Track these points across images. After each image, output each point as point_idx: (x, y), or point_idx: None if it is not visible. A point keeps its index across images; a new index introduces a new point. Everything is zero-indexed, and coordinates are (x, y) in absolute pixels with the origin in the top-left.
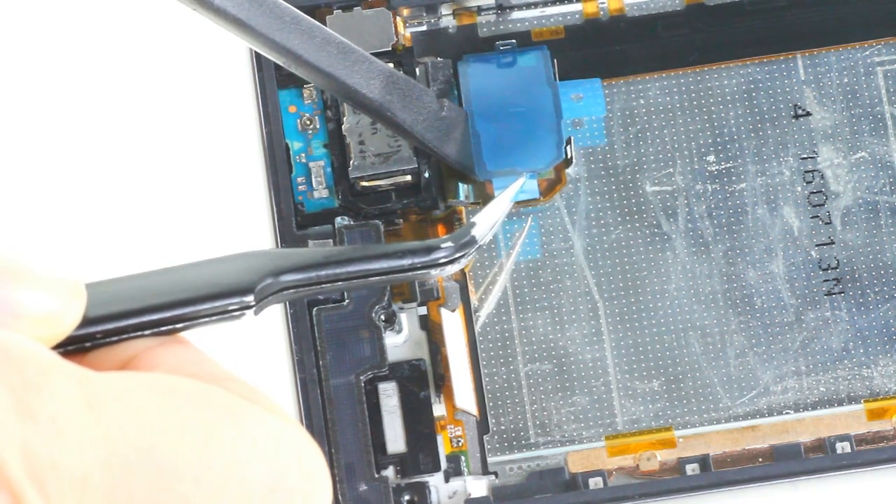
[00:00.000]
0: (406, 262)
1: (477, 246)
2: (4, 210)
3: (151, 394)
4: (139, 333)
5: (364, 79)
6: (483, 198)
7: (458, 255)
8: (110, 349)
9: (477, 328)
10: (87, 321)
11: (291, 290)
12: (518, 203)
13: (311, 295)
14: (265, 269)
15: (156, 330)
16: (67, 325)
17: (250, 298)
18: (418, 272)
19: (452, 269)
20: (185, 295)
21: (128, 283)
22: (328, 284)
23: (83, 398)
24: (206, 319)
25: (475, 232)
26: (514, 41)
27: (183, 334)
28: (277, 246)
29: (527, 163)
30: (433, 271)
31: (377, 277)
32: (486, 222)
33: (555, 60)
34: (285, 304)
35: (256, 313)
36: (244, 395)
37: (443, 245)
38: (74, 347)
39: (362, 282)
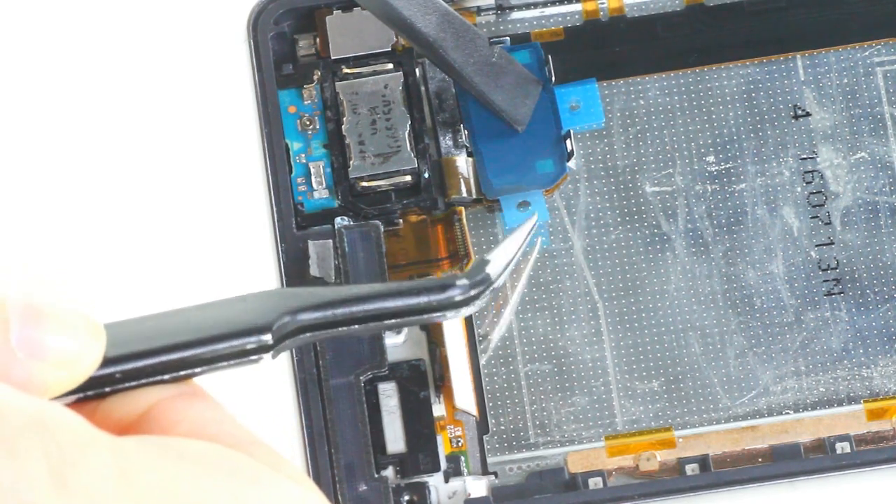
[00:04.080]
0: (422, 299)
1: (492, 286)
2: (4, 210)
3: (182, 463)
4: (158, 378)
5: (421, 12)
6: None
7: (472, 293)
8: (129, 396)
9: (485, 355)
10: (104, 361)
11: (309, 332)
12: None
13: (327, 337)
14: (282, 307)
15: (174, 374)
16: (87, 367)
17: (268, 337)
18: (434, 313)
19: (468, 310)
20: (202, 334)
21: (144, 323)
22: (344, 326)
23: (117, 468)
24: (225, 362)
25: (490, 269)
26: (507, 39)
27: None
28: (277, 245)
29: (531, 179)
30: (449, 313)
31: (393, 320)
32: (500, 260)
33: (549, 58)
34: None
35: (274, 356)
36: (269, 462)
37: (457, 283)
38: (94, 393)
39: (378, 324)
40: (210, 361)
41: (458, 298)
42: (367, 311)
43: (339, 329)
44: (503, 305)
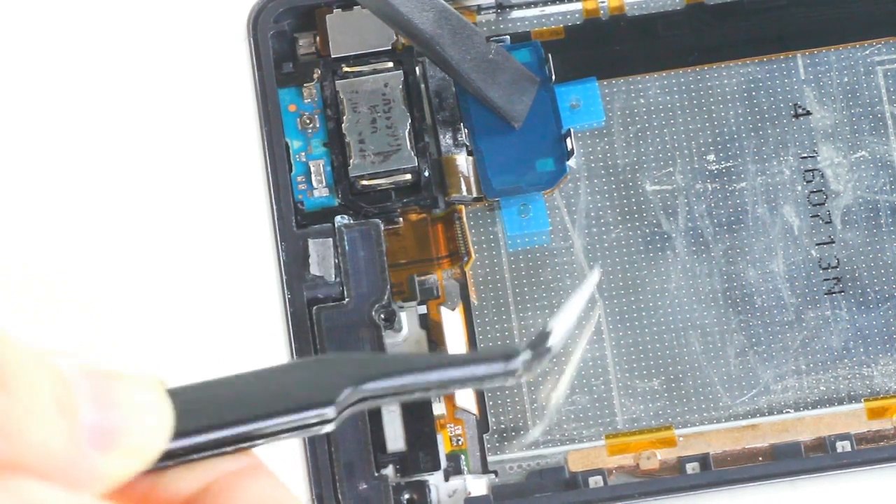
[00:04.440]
0: (485, 369)
1: (551, 354)
2: (4, 210)
3: None
4: (220, 451)
5: (418, 9)
6: None
7: (534, 364)
8: (188, 470)
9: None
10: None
11: (370, 401)
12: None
13: (386, 403)
14: (346, 379)
15: (236, 447)
16: (157, 452)
17: (332, 411)
18: (495, 381)
19: (525, 377)
20: (268, 408)
21: (202, 392)
22: (406, 395)
23: None
24: (286, 434)
25: (551, 342)
26: (507, 37)
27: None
28: (277, 243)
29: (531, 178)
30: (509, 380)
31: (454, 387)
32: (561, 329)
33: (549, 56)
34: (284, 302)
35: (335, 426)
36: None
37: (521, 357)
38: (153, 468)
39: (438, 391)
40: (273, 434)
41: (520, 370)
42: (431, 382)
43: (401, 396)
44: None
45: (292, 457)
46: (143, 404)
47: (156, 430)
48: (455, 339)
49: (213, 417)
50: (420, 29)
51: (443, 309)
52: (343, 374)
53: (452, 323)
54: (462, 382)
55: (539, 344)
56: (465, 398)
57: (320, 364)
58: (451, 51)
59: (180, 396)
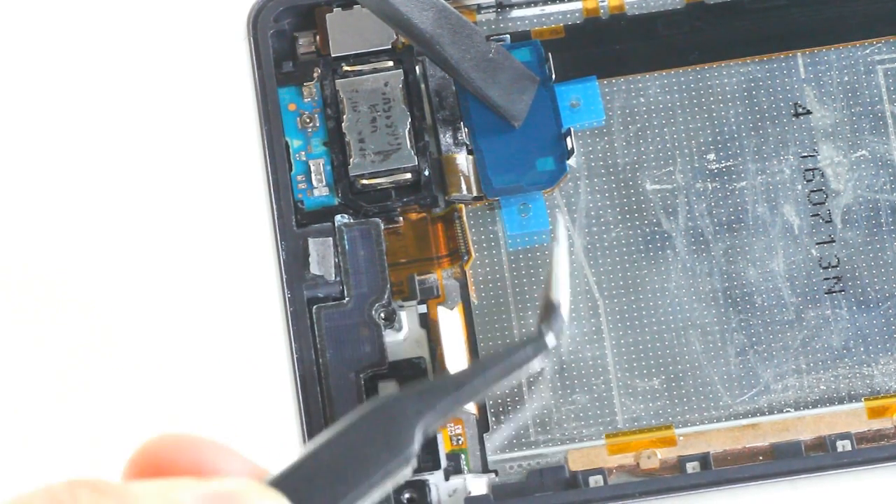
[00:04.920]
0: (523, 355)
1: (566, 323)
2: (4, 209)
3: None
4: None
5: (417, 8)
6: None
7: (559, 333)
8: None
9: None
10: None
11: (434, 426)
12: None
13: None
14: (414, 422)
15: None
16: None
17: (413, 461)
18: (534, 362)
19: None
20: (363, 486)
21: (300, 481)
22: (461, 407)
23: None
24: (380, 496)
25: (563, 312)
26: (507, 37)
27: None
28: (277, 243)
29: (532, 177)
30: (547, 359)
31: (503, 385)
32: (566, 298)
33: (549, 56)
34: (284, 301)
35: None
36: None
37: (548, 340)
38: None
39: (489, 392)
40: (368, 496)
41: (554, 344)
42: (481, 388)
43: (456, 411)
44: None
45: (291, 458)
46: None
47: None
48: (453, 340)
49: (317, 496)
50: (420, 28)
51: (440, 308)
52: (410, 419)
53: (450, 323)
54: (506, 376)
55: (554, 317)
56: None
57: (385, 415)
58: (450, 50)
59: (283, 488)
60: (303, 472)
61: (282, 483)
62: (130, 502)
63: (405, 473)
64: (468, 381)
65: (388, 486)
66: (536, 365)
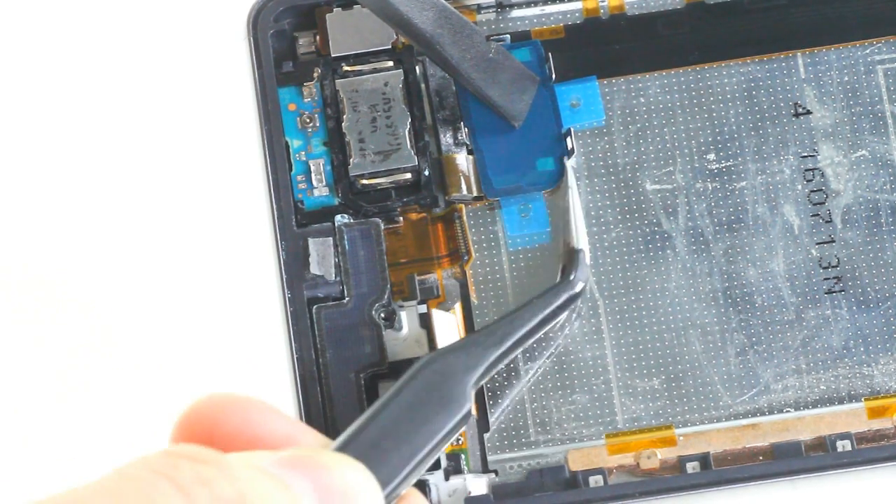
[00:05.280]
0: (558, 301)
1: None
2: (4, 209)
3: None
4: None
5: (418, 8)
6: None
7: (586, 275)
8: None
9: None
10: None
11: (485, 378)
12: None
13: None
14: (465, 378)
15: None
16: None
17: (469, 412)
18: (570, 305)
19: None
20: (429, 445)
21: (367, 444)
22: (509, 357)
23: None
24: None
25: (585, 257)
26: (507, 37)
27: None
28: (277, 243)
29: (532, 178)
30: (579, 299)
31: (541, 330)
32: (585, 243)
33: (549, 56)
34: (284, 301)
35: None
36: None
37: (578, 278)
38: None
39: (532, 340)
40: (433, 456)
41: (584, 285)
42: (521, 338)
43: (505, 361)
44: None
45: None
46: (359, 483)
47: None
48: (448, 341)
49: (395, 467)
50: (420, 28)
51: (434, 311)
52: (461, 376)
53: (445, 325)
54: (546, 325)
55: (578, 262)
56: None
57: (437, 375)
58: (451, 50)
59: (351, 454)
60: (367, 438)
61: (348, 449)
62: (225, 467)
63: (463, 429)
64: (510, 334)
65: (447, 443)
66: (564, 315)
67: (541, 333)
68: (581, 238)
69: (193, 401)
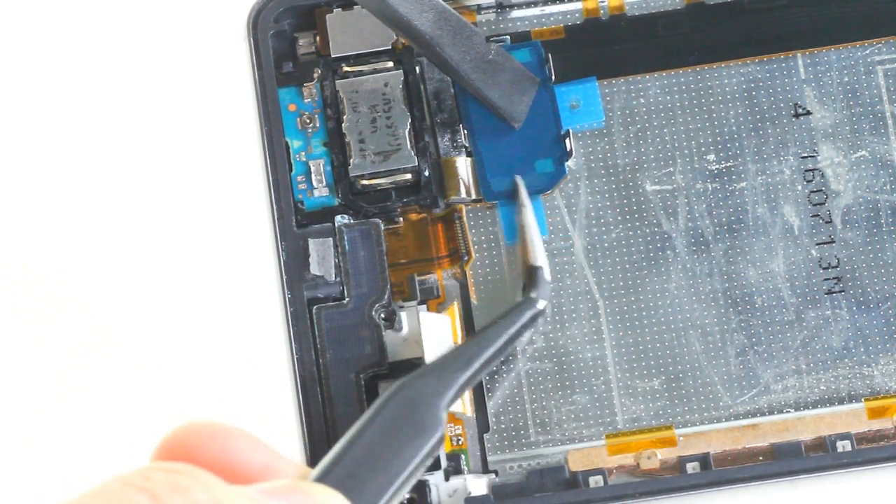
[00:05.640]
0: (520, 324)
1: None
2: (4, 209)
3: None
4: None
5: (417, 10)
6: None
7: (547, 295)
8: None
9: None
10: None
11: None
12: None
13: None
14: (437, 402)
15: None
16: None
17: (442, 436)
18: (532, 327)
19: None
20: (403, 473)
21: (343, 473)
22: (475, 381)
23: None
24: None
25: (545, 275)
26: (507, 37)
27: None
28: (277, 243)
29: (531, 179)
30: (540, 319)
31: (506, 352)
32: (542, 258)
33: (549, 56)
34: (284, 302)
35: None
36: None
37: (539, 303)
38: None
39: (496, 362)
40: (410, 482)
41: (545, 306)
42: (489, 360)
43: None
44: None
45: (292, 457)
46: None
47: None
48: (439, 344)
49: (373, 496)
50: (419, 30)
51: (421, 314)
52: (433, 400)
53: (437, 328)
54: (511, 345)
55: (539, 280)
56: (457, 403)
57: (409, 401)
58: (450, 51)
59: (329, 484)
60: (344, 468)
61: (326, 480)
62: (199, 476)
63: (438, 452)
64: (477, 356)
65: (424, 468)
66: (527, 335)
67: (507, 352)
68: (539, 255)
69: (171, 429)
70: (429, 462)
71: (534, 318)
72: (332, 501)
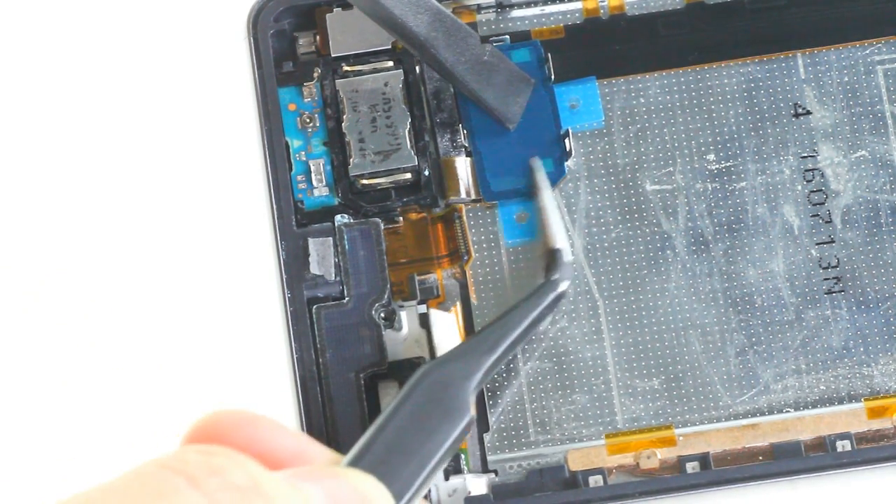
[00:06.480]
0: (544, 304)
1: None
2: (4, 208)
3: None
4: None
5: (412, 12)
6: None
7: (569, 275)
8: None
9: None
10: None
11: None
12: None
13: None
14: (465, 385)
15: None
16: None
17: (472, 418)
18: (555, 307)
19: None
20: (436, 458)
21: (377, 455)
22: (503, 362)
23: None
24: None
25: (567, 256)
26: (507, 37)
27: None
28: (277, 242)
29: (530, 181)
30: (562, 300)
31: (532, 333)
32: (565, 242)
33: (549, 56)
34: (284, 301)
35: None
36: None
37: (561, 281)
38: None
39: (523, 344)
40: (441, 465)
41: (567, 288)
42: (516, 342)
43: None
44: None
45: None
46: (373, 492)
47: None
48: (447, 342)
49: (406, 481)
50: (414, 32)
51: (432, 312)
52: (460, 384)
53: (445, 326)
54: (536, 326)
55: (560, 262)
56: None
57: (437, 385)
58: (445, 53)
59: (364, 465)
60: (376, 454)
61: (359, 465)
62: (236, 456)
63: (467, 436)
64: (503, 339)
65: (454, 452)
66: (549, 317)
67: (531, 335)
68: (559, 237)
69: (199, 417)
70: (458, 446)
71: (557, 300)
72: (366, 485)
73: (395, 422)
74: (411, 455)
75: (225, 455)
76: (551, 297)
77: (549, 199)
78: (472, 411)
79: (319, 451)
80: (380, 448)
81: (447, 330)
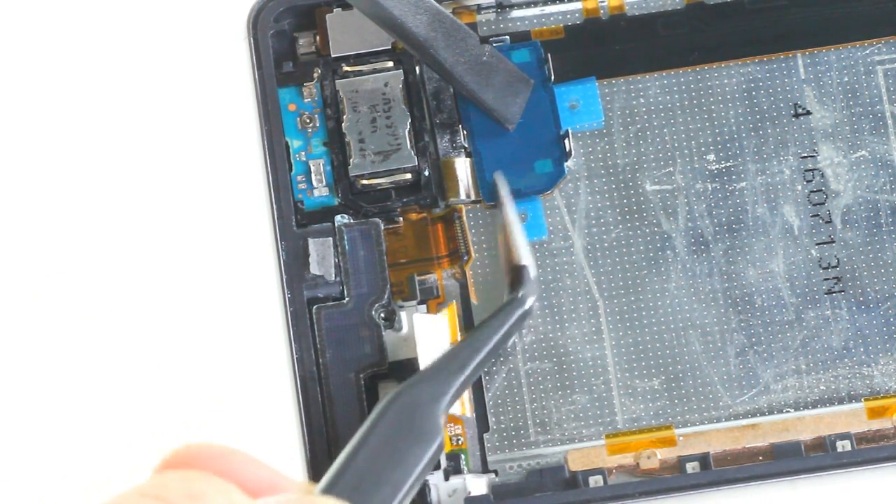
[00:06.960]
0: (510, 323)
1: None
2: (4, 208)
3: None
4: None
5: (411, 12)
6: None
7: (535, 293)
8: None
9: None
10: None
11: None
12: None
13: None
14: (435, 408)
15: None
16: None
17: (442, 442)
18: (522, 326)
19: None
20: (406, 483)
21: (350, 483)
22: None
23: None
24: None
25: (531, 273)
26: (507, 37)
27: None
28: (277, 243)
29: (529, 182)
30: (529, 318)
31: (500, 350)
32: (530, 258)
33: (549, 56)
34: (284, 301)
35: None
36: None
37: (528, 298)
38: None
39: (489, 362)
40: (414, 489)
41: (533, 306)
42: (483, 361)
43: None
44: None
45: (292, 458)
46: None
47: None
48: (434, 346)
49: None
50: (413, 32)
51: (415, 315)
52: (430, 406)
53: (430, 329)
54: (503, 344)
55: (526, 279)
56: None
57: (407, 409)
58: (444, 53)
59: (338, 492)
60: (348, 481)
61: (332, 492)
62: (216, 482)
63: (439, 458)
64: (471, 358)
65: (426, 475)
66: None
67: (500, 352)
68: (523, 254)
69: (169, 452)
70: (430, 469)
71: (523, 317)
72: None
73: (368, 447)
74: (384, 480)
75: (205, 480)
76: (517, 314)
77: (512, 214)
78: (443, 434)
79: (293, 483)
80: (352, 475)
81: (434, 335)
